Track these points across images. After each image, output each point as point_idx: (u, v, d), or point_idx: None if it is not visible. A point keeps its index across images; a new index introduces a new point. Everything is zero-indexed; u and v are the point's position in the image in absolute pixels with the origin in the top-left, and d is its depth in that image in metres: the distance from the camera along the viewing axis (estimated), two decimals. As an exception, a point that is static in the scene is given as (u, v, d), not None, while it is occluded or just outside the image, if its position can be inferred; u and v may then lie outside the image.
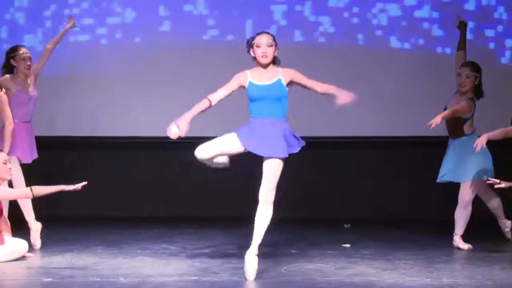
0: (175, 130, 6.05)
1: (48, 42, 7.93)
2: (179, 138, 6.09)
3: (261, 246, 6.16)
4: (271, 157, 6.07)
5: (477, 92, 7.52)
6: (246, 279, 6.06)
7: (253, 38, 6.17)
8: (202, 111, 6.15)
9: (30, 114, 7.68)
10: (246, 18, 9.50)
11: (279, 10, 9.51)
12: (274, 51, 6.15)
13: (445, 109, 7.45)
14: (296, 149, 6.15)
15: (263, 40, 6.11)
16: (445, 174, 7.58)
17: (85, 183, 6.58)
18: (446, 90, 8.04)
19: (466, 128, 7.47)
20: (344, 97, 6.12)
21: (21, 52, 7.58)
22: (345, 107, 6.16)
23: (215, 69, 9.34)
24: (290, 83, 6.19)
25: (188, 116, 6.08)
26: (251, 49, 6.17)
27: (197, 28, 9.53)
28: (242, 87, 6.17)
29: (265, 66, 6.15)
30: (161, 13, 9.54)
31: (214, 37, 9.53)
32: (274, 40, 6.16)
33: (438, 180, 7.65)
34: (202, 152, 6.10)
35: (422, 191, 9.52)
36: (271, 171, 6.06)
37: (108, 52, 9.52)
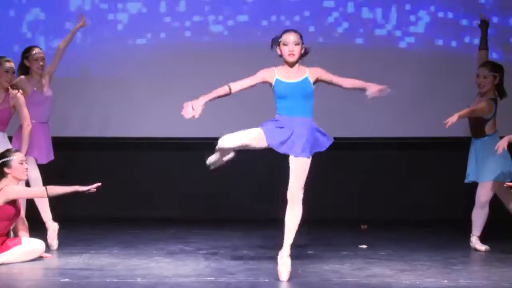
0: (190, 110, 5.98)
1: (60, 41, 7.96)
2: (193, 117, 6.00)
3: (292, 246, 6.11)
4: (299, 157, 6.01)
5: (499, 92, 7.47)
6: (279, 279, 6.02)
7: (279, 36, 6.11)
8: (220, 96, 6.10)
9: (47, 114, 7.71)
10: (260, 19, 9.49)
11: (294, 10, 9.49)
12: (301, 50, 6.09)
13: None
14: (323, 147, 6.11)
15: (290, 38, 6.05)
16: (469, 174, 7.55)
17: (98, 184, 6.59)
18: (465, 90, 8.02)
19: (488, 128, 7.43)
20: (374, 89, 6.06)
21: (34, 52, 7.60)
22: (377, 98, 6.08)
23: (228, 70, 9.32)
24: (316, 82, 6.14)
25: (204, 98, 6.03)
26: (277, 46, 6.10)
27: (209, 28, 9.53)
28: (266, 82, 6.10)
29: (292, 64, 6.10)
30: (173, 13, 9.53)
31: (226, 37, 9.53)
32: (301, 38, 6.09)
33: (465, 181, 7.60)
34: (226, 141, 6.04)
35: (439, 192, 9.50)
36: (298, 170, 6.01)
37: (121, 53, 9.53)
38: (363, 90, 6.11)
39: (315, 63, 8.63)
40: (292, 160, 6.05)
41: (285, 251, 6.06)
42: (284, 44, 6.05)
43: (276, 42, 6.11)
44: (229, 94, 6.11)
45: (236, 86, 6.12)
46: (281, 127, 6.03)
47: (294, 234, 6.06)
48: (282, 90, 6.06)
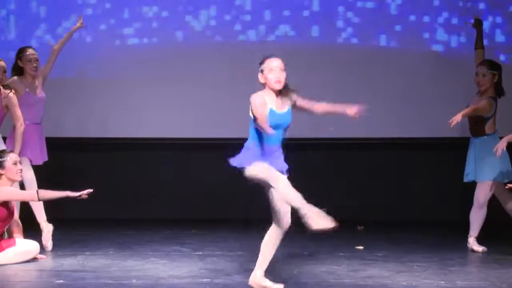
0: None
1: (56, 43, 7.94)
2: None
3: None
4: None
5: (498, 90, 7.46)
6: None
7: (261, 62, 5.74)
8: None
9: (40, 115, 7.68)
10: (258, 20, 9.47)
11: (291, 10, 9.47)
12: (285, 76, 5.73)
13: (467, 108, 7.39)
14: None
15: (275, 64, 5.70)
16: (468, 174, 7.53)
17: (90, 190, 6.55)
18: (464, 91, 8.01)
19: (488, 127, 7.41)
20: (353, 111, 5.85)
21: (27, 53, 7.58)
22: (357, 117, 5.89)
23: (226, 71, 9.34)
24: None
25: None
26: (260, 73, 5.73)
27: (207, 30, 9.51)
28: None
29: (277, 92, 5.72)
30: (170, 14, 9.51)
31: (224, 38, 9.50)
32: (284, 64, 5.73)
33: (464, 180, 7.58)
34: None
35: (437, 193, 9.48)
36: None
37: (117, 53, 9.51)
38: (340, 114, 5.88)
39: (313, 63, 8.62)
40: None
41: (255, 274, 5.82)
42: (270, 70, 5.69)
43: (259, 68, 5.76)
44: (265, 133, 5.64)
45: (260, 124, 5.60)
46: (273, 154, 5.72)
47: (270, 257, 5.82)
48: (275, 121, 5.66)
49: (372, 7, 9.43)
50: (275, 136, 5.66)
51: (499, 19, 9.35)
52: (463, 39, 9.33)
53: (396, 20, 9.45)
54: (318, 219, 5.48)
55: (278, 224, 5.78)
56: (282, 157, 5.78)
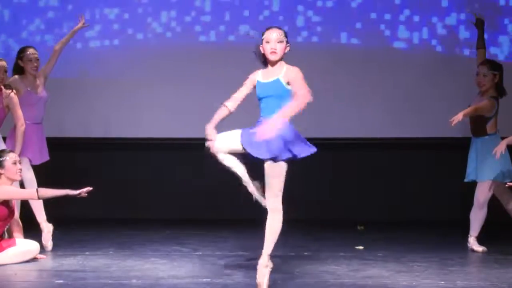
0: (209, 141, 5.78)
1: (57, 43, 7.94)
2: (213, 142, 5.77)
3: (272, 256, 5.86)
4: (269, 161, 5.71)
5: (499, 90, 7.46)
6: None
7: (263, 33, 5.82)
8: (223, 118, 5.87)
9: (41, 115, 7.68)
10: (257, 19, 9.47)
11: (290, 10, 9.47)
12: (285, 48, 5.77)
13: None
14: (300, 155, 5.74)
15: (273, 36, 5.75)
16: (469, 174, 7.53)
17: (89, 188, 6.55)
18: (464, 91, 8.01)
19: (489, 127, 7.41)
20: (265, 128, 5.55)
21: (28, 52, 7.58)
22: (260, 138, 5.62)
23: (227, 70, 9.32)
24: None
25: (210, 125, 5.80)
26: (261, 45, 5.82)
27: (208, 29, 9.52)
28: (255, 87, 5.88)
29: (273, 63, 5.78)
30: (171, 14, 9.52)
31: (225, 37, 9.50)
32: (286, 36, 5.79)
33: (465, 180, 7.58)
34: (219, 154, 5.83)
35: (437, 192, 9.48)
36: (269, 176, 5.73)
37: (120, 53, 9.52)
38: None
39: (313, 63, 8.63)
40: (265, 165, 5.75)
41: (261, 261, 5.77)
42: (267, 42, 5.76)
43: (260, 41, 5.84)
44: (230, 113, 5.87)
45: (232, 101, 5.87)
46: (254, 129, 5.70)
47: (272, 244, 5.76)
48: (258, 90, 5.82)
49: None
50: (264, 107, 5.73)
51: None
52: (465, 39, 9.33)
53: (395, 20, 9.46)
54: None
55: None
56: (283, 132, 5.62)
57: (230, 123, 5.89)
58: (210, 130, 5.79)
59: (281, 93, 5.72)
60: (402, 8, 9.43)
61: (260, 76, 5.86)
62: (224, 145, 5.81)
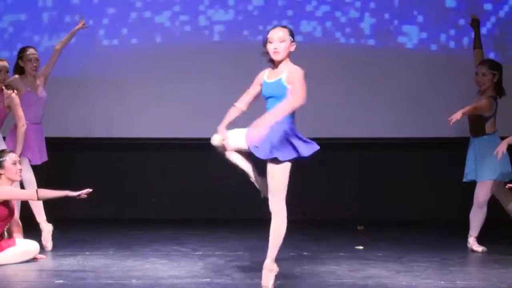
0: (218, 137, 5.73)
1: (57, 43, 7.94)
2: (226, 142, 5.72)
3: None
4: (269, 162, 5.65)
5: (498, 90, 7.46)
6: None
7: (267, 33, 5.77)
8: (234, 118, 5.82)
9: (40, 115, 7.68)
10: (260, 19, 9.47)
11: (294, 8, 9.48)
12: (289, 47, 5.70)
13: None
14: (302, 154, 5.67)
15: (276, 35, 5.69)
16: (468, 173, 7.53)
17: (89, 190, 6.55)
18: (463, 90, 8.01)
19: (488, 127, 7.42)
20: (252, 130, 5.54)
21: (28, 52, 7.59)
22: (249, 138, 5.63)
23: (228, 71, 9.34)
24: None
25: (221, 126, 5.75)
26: (266, 45, 5.74)
27: (210, 29, 9.51)
28: (261, 85, 5.81)
29: (278, 63, 5.72)
30: (174, 14, 9.52)
31: (227, 38, 9.50)
32: (291, 35, 5.71)
33: (463, 180, 7.58)
34: (228, 153, 5.81)
35: (436, 192, 9.49)
36: (269, 177, 5.68)
37: (121, 53, 9.52)
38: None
39: (314, 61, 8.60)
40: (267, 165, 5.69)
41: (266, 264, 5.74)
42: (270, 42, 5.70)
43: (264, 40, 5.79)
44: (243, 111, 5.81)
45: (242, 101, 5.84)
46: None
47: (276, 248, 5.72)
48: (263, 90, 5.76)
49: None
50: (270, 107, 5.65)
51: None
52: (465, 39, 9.33)
53: (396, 20, 9.47)
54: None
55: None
56: (274, 130, 5.56)
57: (239, 119, 5.86)
58: (222, 130, 5.73)
59: (283, 94, 5.66)
60: (402, 9, 9.44)
61: (266, 75, 5.81)
62: (232, 144, 5.77)
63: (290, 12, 9.48)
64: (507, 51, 9.30)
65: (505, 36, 9.35)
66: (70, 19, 9.21)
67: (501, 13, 9.39)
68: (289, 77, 5.66)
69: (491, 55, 8.90)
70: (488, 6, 9.36)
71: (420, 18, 9.43)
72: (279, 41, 5.69)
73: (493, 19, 9.35)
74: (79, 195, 6.58)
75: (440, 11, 9.42)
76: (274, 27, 5.83)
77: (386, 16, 9.45)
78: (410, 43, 9.45)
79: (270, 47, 5.72)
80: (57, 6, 9.49)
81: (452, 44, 9.41)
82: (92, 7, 9.47)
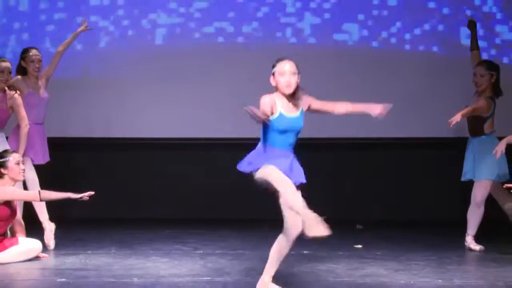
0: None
1: (60, 44, 7.99)
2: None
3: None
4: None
5: (495, 90, 7.51)
6: None
7: (274, 65, 5.58)
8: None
9: (42, 116, 7.72)
10: (261, 20, 9.51)
11: (294, 11, 9.52)
12: (298, 80, 5.58)
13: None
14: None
15: (286, 68, 5.54)
16: (466, 173, 7.57)
17: (91, 193, 6.60)
18: (463, 91, 8.03)
19: (486, 127, 7.47)
20: (378, 110, 5.75)
21: (30, 53, 7.63)
22: (382, 117, 5.81)
23: (228, 71, 9.37)
24: (307, 111, 5.71)
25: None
26: (271, 76, 5.58)
27: (210, 30, 9.54)
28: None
29: (289, 95, 5.58)
30: (174, 14, 9.55)
31: (227, 38, 9.53)
32: (297, 67, 5.59)
33: (462, 179, 7.62)
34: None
35: (434, 192, 9.51)
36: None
37: (121, 54, 9.54)
38: (363, 114, 5.76)
39: (314, 65, 8.62)
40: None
41: (262, 280, 5.66)
42: (280, 74, 5.54)
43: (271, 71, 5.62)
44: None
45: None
46: (282, 160, 5.55)
47: (274, 266, 5.66)
48: (285, 124, 5.54)
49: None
50: (283, 140, 5.55)
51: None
52: (464, 40, 9.36)
53: (395, 20, 9.50)
54: (313, 226, 5.40)
55: (286, 232, 5.57)
56: (294, 163, 5.60)
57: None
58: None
59: (301, 128, 5.65)
60: (404, 11, 9.47)
61: (280, 106, 5.58)
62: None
63: (295, 14, 9.48)
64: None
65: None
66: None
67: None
68: (305, 105, 5.65)
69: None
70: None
71: (419, 22, 9.47)
72: (290, 74, 5.55)
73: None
74: (81, 198, 6.63)
75: (436, 14, 9.48)
76: (281, 59, 5.63)
77: (387, 18, 9.48)
78: (410, 44, 9.49)
79: (281, 80, 5.54)
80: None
81: (452, 44, 9.43)
82: (92, 8, 9.52)
